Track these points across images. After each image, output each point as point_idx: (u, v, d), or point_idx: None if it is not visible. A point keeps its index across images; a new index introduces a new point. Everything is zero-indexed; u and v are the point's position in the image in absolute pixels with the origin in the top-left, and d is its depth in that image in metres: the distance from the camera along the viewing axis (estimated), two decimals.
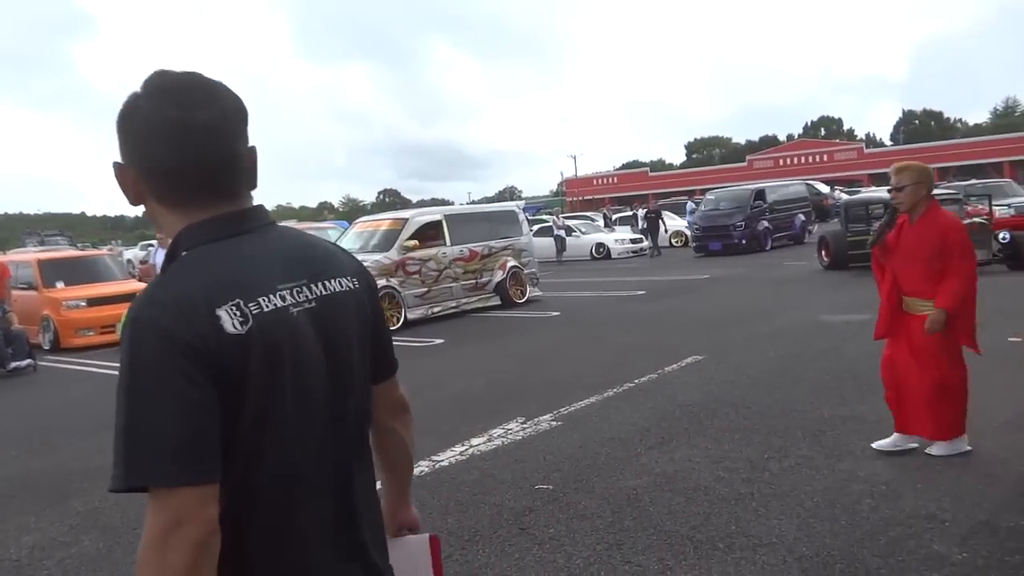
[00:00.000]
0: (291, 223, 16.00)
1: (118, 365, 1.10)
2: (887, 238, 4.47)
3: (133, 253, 33.93)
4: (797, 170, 49.78)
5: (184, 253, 1.20)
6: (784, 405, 5.75)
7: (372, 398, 1.40)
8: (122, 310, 12.18)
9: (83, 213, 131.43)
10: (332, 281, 1.29)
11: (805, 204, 24.67)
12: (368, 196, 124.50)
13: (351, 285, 1.33)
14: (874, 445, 4.61)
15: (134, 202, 1.25)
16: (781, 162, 55.52)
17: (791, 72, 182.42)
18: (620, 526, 3.90)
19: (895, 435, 4.58)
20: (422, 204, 69.41)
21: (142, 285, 13.46)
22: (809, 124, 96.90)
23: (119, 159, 1.24)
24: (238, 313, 1.13)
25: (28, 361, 10.74)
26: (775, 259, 19.14)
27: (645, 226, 24.76)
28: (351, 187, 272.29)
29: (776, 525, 3.75)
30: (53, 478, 5.54)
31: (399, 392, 1.52)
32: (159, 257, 13.83)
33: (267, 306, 1.16)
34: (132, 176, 1.23)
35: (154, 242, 18.76)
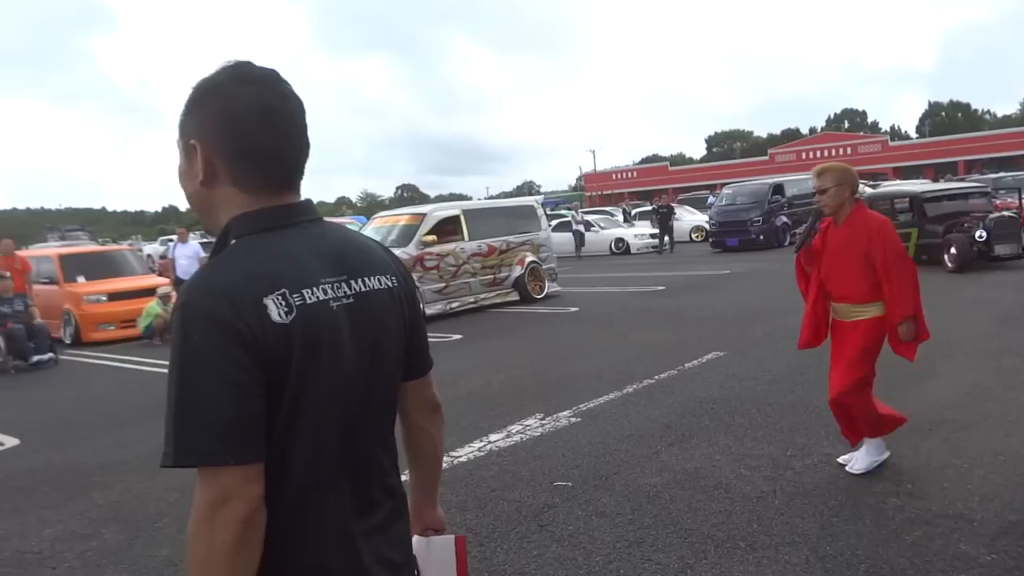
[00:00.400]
0: None
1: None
2: (812, 243, 4.29)
3: (153, 248, 34.25)
4: (820, 163, 49.24)
5: (234, 241, 1.24)
6: (807, 402, 5.69)
7: (401, 396, 1.44)
8: (142, 305, 12.35)
9: (104, 208, 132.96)
10: (371, 278, 1.33)
11: None
12: (386, 191, 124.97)
13: (389, 283, 1.36)
14: (843, 461, 4.39)
15: (204, 183, 1.27)
16: (804, 155, 54.96)
17: (814, 63, 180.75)
18: (640, 524, 3.88)
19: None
20: (440, 199, 69.59)
21: (162, 280, 13.62)
22: (832, 117, 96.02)
23: (191, 139, 1.26)
24: (283, 303, 1.17)
25: (50, 355, 10.89)
26: None
27: (657, 222, 24.50)
28: (369, 182, 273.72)
29: (799, 524, 3.72)
30: (74, 472, 5.61)
31: (432, 390, 1.55)
32: (179, 252, 13.97)
33: (310, 298, 1.21)
34: (209, 156, 1.26)
35: (173, 237, 18.92)
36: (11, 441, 6.71)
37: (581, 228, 25.15)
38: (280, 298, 1.17)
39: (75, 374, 10.33)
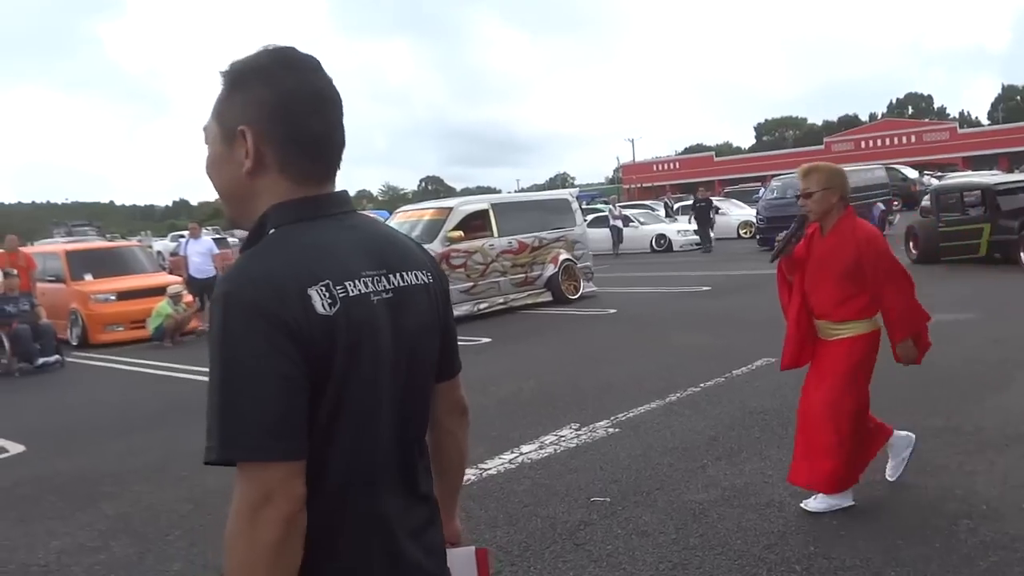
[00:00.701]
0: None
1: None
2: (795, 250, 4.14)
3: (163, 245, 34.87)
4: (881, 153, 48.61)
5: (272, 231, 1.27)
6: None
7: (433, 396, 1.46)
8: (152, 304, 12.54)
9: (112, 202, 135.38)
10: (408, 273, 1.36)
11: (885, 191, 24.02)
12: (409, 184, 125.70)
13: (426, 279, 1.40)
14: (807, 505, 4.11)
15: (251, 171, 1.29)
16: (863, 144, 54.32)
17: (874, 44, 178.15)
18: (684, 544, 3.85)
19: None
20: (466, 192, 69.79)
21: (173, 278, 13.83)
22: (894, 102, 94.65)
23: (238, 124, 1.28)
24: (327, 295, 1.21)
25: (56, 357, 11.11)
26: None
27: (695, 216, 24.17)
28: (391, 174, 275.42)
29: (861, 547, 3.66)
30: (82, 480, 5.71)
31: (460, 392, 1.59)
32: (191, 249, 14.16)
33: (352, 291, 1.24)
34: (257, 142, 1.28)
35: (184, 233, 19.21)
36: (16, 448, 6.85)
37: (619, 223, 25.05)
38: (324, 289, 1.20)
39: (82, 377, 10.53)
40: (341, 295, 1.22)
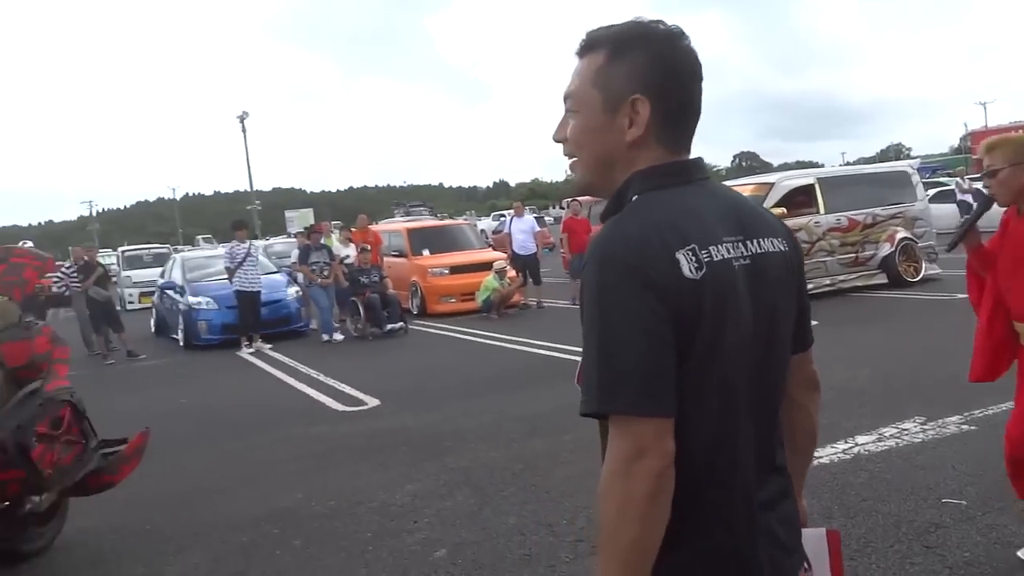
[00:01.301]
0: None
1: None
2: (978, 242, 3.37)
3: (486, 223, 37.58)
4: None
5: (635, 197, 1.32)
6: None
7: (789, 368, 1.44)
8: (480, 278, 13.60)
9: (440, 184, 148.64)
10: (765, 240, 1.35)
11: None
12: (721, 160, 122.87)
13: (782, 247, 1.38)
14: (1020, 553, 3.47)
15: (636, 140, 1.32)
16: None
17: None
18: None
19: None
20: (785, 168, 66.53)
21: (498, 255, 14.86)
22: None
23: (632, 93, 1.30)
24: (694, 259, 1.22)
25: (400, 324, 12.51)
26: None
27: None
28: (701, 150, 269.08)
29: None
30: (427, 435, 6.40)
31: (812, 367, 1.54)
32: (514, 227, 15.09)
33: (716, 256, 1.25)
34: (649, 111, 1.31)
35: (506, 212, 20.50)
36: (372, 401, 7.85)
37: (968, 198, 22.36)
38: (690, 253, 1.22)
39: (422, 343, 11.75)
40: (706, 259, 1.23)
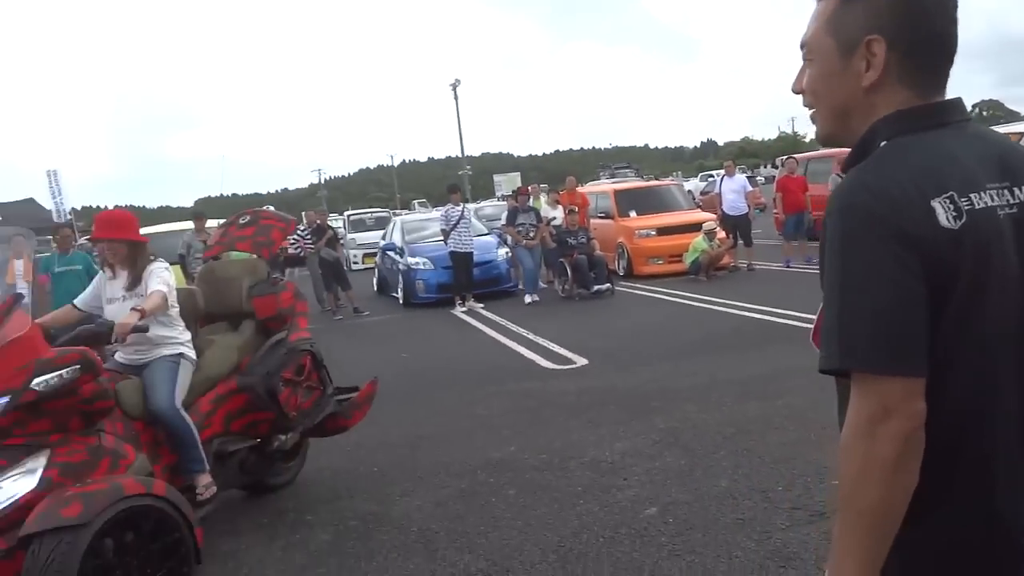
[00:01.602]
0: None
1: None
2: None
3: (693, 184, 36.66)
4: None
5: (883, 143, 1.24)
6: None
7: None
8: (688, 240, 13.35)
9: (646, 145, 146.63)
10: None
11: None
12: None
13: None
14: None
15: (874, 83, 1.25)
16: None
17: None
18: None
19: None
20: None
21: (707, 216, 14.49)
22: None
23: (866, 33, 1.24)
24: (952, 207, 1.15)
25: (607, 285, 12.55)
26: None
27: None
28: None
29: None
30: (635, 395, 6.42)
31: None
32: (725, 186, 14.64)
33: (978, 203, 1.17)
34: (887, 53, 1.24)
35: (714, 173, 19.89)
36: (581, 360, 7.98)
37: None
38: (948, 201, 1.15)
39: (628, 304, 11.74)
40: (966, 207, 1.15)
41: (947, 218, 1.14)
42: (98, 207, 76.74)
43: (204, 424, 4.24)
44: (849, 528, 1.16)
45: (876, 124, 1.26)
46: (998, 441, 1.20)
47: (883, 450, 1.11)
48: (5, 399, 3.37)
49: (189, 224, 13.13)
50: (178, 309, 4.32)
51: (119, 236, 4.19)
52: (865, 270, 1.13)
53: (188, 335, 4.34)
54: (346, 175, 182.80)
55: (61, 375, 3.45)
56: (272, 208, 16.48)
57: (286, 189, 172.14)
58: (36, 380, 3.40)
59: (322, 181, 72.58)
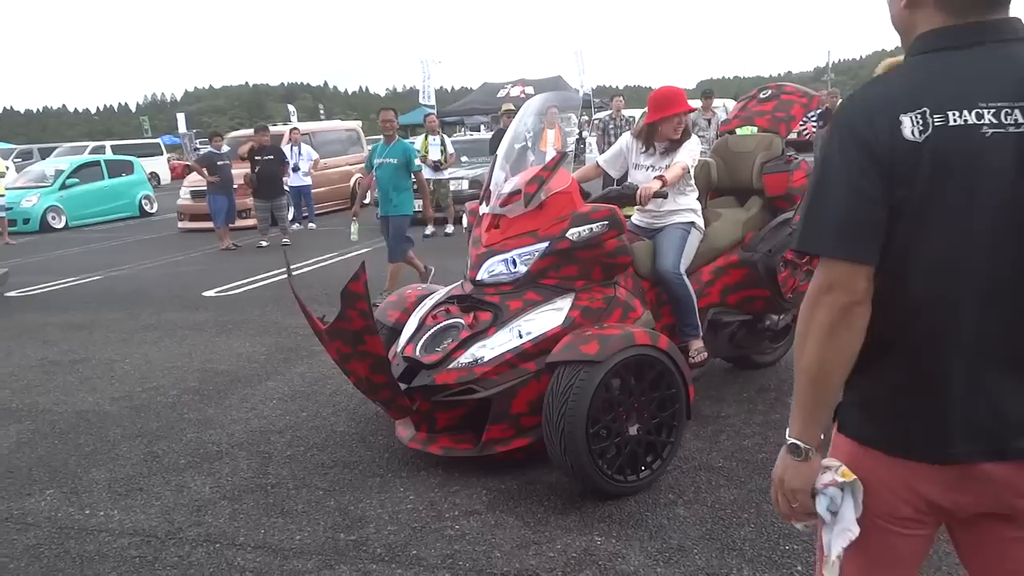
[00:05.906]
0: None
1: None
2: None
3: None
4: None
5: (907, 59, 1.37)
6: None
7: None
8: None
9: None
10: None
11: None
12: None
13: None
14: None
15: (908, 4, 1.37)
16: None
17: None
18: None
19: None
20: None
21: None
22: None
23: None
24: (920, 121, 1.28)
25: None
26: None
27: None
28: None
29: None
30: None
31: None
32: None
33: (954, 121, 1.27)
34: None
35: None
36: None
37: None
38: (918, 116, 1.28)
39: None
40: (937, 123, 1.27)
41: (912, 131, 1.28)
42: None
43: (703, 292, 4.44)
44: (797, 383, 1.41)
45: (912, 42, 1.38)
46: (953, 342, 1.33)
47: (821, 316, 1.35)
48: (545, 244, 3.91)
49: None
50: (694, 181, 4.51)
51: (686, 109, 4.34)
52: (829, 172, 1.34)
53: (699, 206, 4.52)
54: (858, 58, 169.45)
55: (592, 228, 3.88)
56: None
57: (790, 72, 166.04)
58: (571, 231, 3.88)
59: (829, 65, 67.77)
